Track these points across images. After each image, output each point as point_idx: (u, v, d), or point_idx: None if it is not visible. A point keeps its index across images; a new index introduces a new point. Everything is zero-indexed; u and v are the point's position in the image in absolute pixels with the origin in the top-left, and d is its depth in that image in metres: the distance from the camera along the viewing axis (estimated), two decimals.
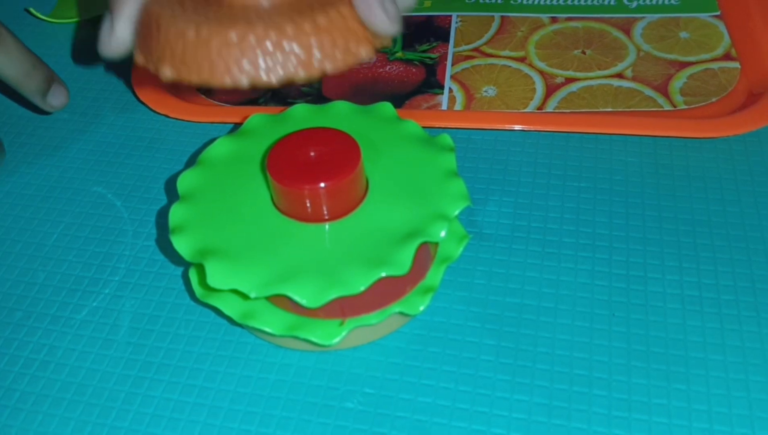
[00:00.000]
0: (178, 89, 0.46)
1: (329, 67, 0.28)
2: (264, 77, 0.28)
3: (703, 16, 0.48)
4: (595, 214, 0.38)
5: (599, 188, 0.39)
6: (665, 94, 0.42)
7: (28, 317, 0.35)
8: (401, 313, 0.32)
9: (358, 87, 0.45)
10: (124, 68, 0.48)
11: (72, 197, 0.40)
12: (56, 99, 0.42)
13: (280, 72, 0.28)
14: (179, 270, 0.37)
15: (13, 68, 0.40)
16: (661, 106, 0.42)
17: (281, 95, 0.45)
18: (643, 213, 0.38)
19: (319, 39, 0.28)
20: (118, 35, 0.30)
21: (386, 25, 0.29)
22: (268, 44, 0.28)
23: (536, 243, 0.37)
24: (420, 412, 0.31)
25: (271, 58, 0.28)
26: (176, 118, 0.44)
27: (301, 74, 0.28)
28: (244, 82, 0.28)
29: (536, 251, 0.36)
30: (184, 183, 0.35)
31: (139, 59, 0.31)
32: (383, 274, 0.30)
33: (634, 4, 0.49)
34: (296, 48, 0.28)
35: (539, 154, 0.41)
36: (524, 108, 0.42)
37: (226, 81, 0.28)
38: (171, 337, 0.34)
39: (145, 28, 0.30)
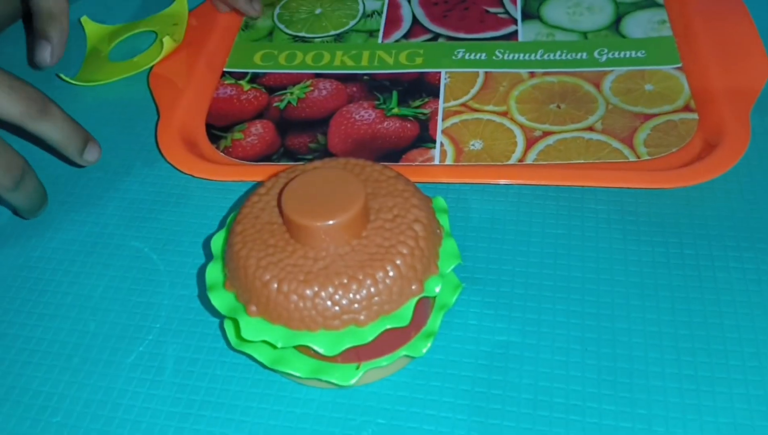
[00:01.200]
0: (199, 148, 0.51)
1: (387, 308, 0.35)
2: (331, 323, 0.35)
3: (666, 68, 0.54)
4: (569, 258, 0.44)
5: (573, 235, 0.45)
6: (630, 145, 0.48)
7: (85, 362, 0.41)
8: (407, 356, 0.38)
9: (360, 142, 0.51)
10: (149, 128, 0.54)
11: (113, 252, 0.46)
12: (91, 155, 0.49)
13: (345, 318, 0.35)
14: (213, 317, 0.42)
15: (57, 134, 0.47)
16: (627, 158, 0.47)
17: (292, 152, 0.50)
18: (611, 257, 0.43)
19: (378, 290, 0.35)
20: (59, 55, 0.52)
21: None
22: (337, 297, 0.35)
23: (520, 286, 0.42)
24: None
25: (338, 307, 0.35)
26: (200, 178, 0.49)
27: (362, 318, 0.35)
28: (315, 328, 0.35)
29: (520, 294, 0.42)
30: (217, 244, 0.40)
31: (228, 286, 0.38)
32: (388, 326, 0.36)
33: (604, 57, 0.55)
34: (359, 299, 0.35)
35: (521, 204, 0.46)
36: (507, 160, 0.48)
37: (301, 328, 0.36)
38: (209, 377, 0.40)
39: (235, 269, 0.37)
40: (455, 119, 0.51)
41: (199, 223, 0.47)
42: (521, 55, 0.56)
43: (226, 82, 0.56)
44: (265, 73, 0.57)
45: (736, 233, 0.44)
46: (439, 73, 0.55)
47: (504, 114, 0.51)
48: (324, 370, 0.37)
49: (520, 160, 0.48)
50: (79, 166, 0.51)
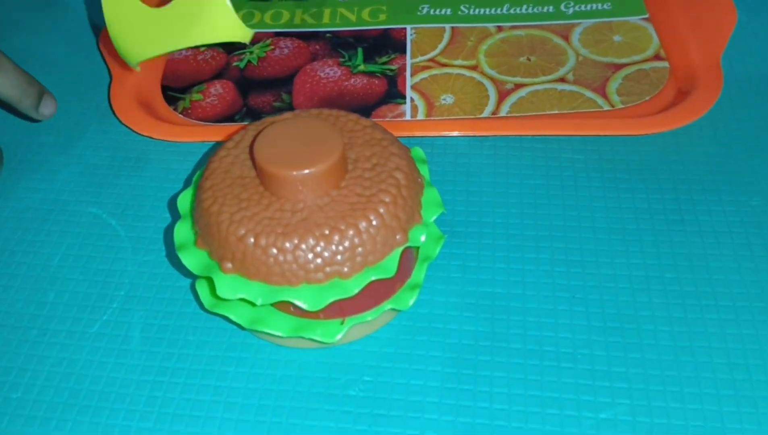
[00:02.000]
0: (156, 110, 0.49)
1: (371, 259, 0.33)
2: (314, 277, 0.33)
3: (633, 19, 0.53)
4: (550, 208, 0.42)
5: (552, 184, 0.44)
6: (603, 95, 0.47)
7: (44, 334, 0.38)
8: (393, 309, 0.36)
9: (326, 100, 0.49)
10: (101, 91, 0.51)
11: (69, 219, 0.43)
12: (47, 108, 0.47)
13: (328, 270, 0.33)
14: (181, 281, 0.40)
15: (11, 89, 0.44)
16: (601, 107, 0.47)
17: (255, 111, 0.48)
18: (592, 205, 0.42)
19: (362, 240, 0.33)
20: None
21: None
22: (318, 249, 0.33)
23: (502, 237, 0.41)
24: (414, 394, 0.35)
25: (320, 259, 0.33)
26: (159, 139, 0.47)
27: (345, 270, 0.33)
28: (296, 283, 0.33)
29: (502, 244, 0.41)
30: (184, 202, 0.38)
31: (199, 244, 0.35)
32: (373, 278, 0.34)
33: (571, 10, 0.54)
34: (342, 250, 0.33)
35: (497, 156, 0.45)
36: (480, 114, 0.47)
37: (282, 283, 0.33)
38: (181, 343, 0.37)
39: (206, 226, 0.35)
40: (424, 74, 0.50)
41: (159, 186, 0.45)
42: (487, 9, 0.54)
43: None
44: None
45: (714, 177, 0.43)
46: (405, 29, 0.53)
47: (474, 68, 0.50)
48: (306, 327, 0.35)
49: (494, 113, 0.47)
50: (34, 121, 0.48)
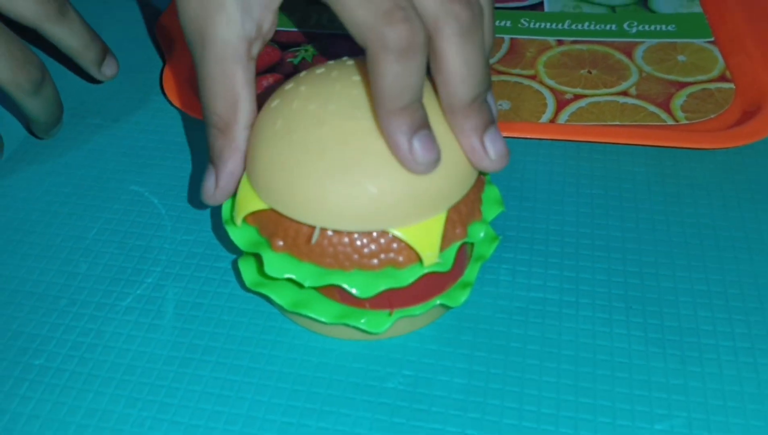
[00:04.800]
0: None
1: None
2: (368, 263, 0.31)
3: (698, 41, 0.51)
4: (608, 218, 0.40)
5: (610, 195, 0.42)
6: (667, 110, 0.46)
7: (73, 304, 0.37)
8: (442, 306, 0.34)
9: None
10: (153, 78, 0.50)
11: (110, 195, 0.42)
12: (109, 69, 0.47)
13: (383, 257, 0.31)
14: (220, 262, 0.38)
15: (75, 40, 0.44)
16: (665, 121, 0.45)
17: None
18: (652, 217, 0.40)
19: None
20: (223, 189, 0.34)
21: (489, 165, 0.31)
22: (375, 235, 0.31)
23: (555, 244, 0.39)
24: (456, 392, 0.33)
25: (376, 245, 0.31)
26: None
27: (401, 259, 0.31)
28: (349, 267, 0.32)
29: (556, 251, 0.39)
30: None
31: (249, 219, 0.34)
32: (427, 270, 0.32)
33: (634, 29, 0.52)
34: (400, 237, 0.31)
35: (553, 163, 0.43)
36: (537, 120, 0.45)
37: (334, 266, 0.32)
38: (215, 323, 0.36)
39: None
40: None
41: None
42: (548, 24, 0.53)
43: None
44: (276, 30, 0.53)
45: None
46: None
47: (532, 77, 0.48)
48: (351, 315, 0.33)
49: (551, 121, 0.45)
50: (96, 82, 0.49)
